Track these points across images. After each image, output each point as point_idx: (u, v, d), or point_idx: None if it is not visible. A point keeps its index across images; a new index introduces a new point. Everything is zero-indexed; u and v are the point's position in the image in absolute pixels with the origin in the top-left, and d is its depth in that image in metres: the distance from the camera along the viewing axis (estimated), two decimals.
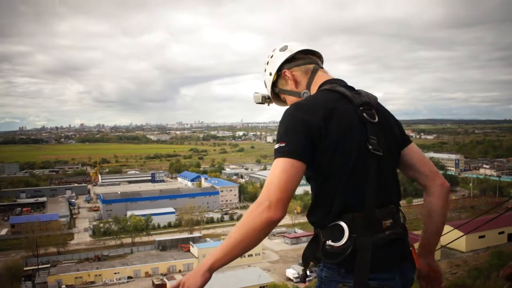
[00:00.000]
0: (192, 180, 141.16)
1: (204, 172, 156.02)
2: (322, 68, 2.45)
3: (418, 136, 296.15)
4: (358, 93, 2.23)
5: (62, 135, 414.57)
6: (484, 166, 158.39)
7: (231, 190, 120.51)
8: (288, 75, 2.40)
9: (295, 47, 2.42)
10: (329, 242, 2.04)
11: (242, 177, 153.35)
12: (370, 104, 2.17)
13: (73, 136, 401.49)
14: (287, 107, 2.18)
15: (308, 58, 2.43)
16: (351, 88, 2.26)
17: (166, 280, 59.97)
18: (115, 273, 66.10)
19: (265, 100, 2.63)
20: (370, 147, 2.05)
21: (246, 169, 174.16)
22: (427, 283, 2.44)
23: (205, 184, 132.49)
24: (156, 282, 61.27)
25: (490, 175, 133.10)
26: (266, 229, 1.93)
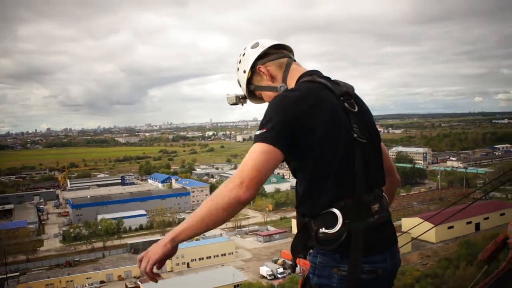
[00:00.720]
0: (162, 182, 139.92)
1: (175, 173, 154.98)
2: (295, 61, 2.47)
3: (386, 131, 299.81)
4: (337, 83, 2.28)
5: (28, 140, 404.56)
6: (451, 158, 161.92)
7: (202, 190, 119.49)
8: (263, 70, 2.40)
9: (266, 43, 2.43)
10: (323, 230, 2.05)
11: (212, 176, 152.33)
12: (350, 94, 2.22)
13: (39, 141, 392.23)
14: (275, 95, 2.20)
15: (281, 52, 2.45)
16: (329, 79, 2.29)
17: (140, 283, 59.31)
18: (87, 278, 65.02)
19: (239, 100, 2.60)
20: (355, 135, 2.09)
21: (217, 168, 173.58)
22: None
23: (176, 185, 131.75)
24: (130, 286, 60.55)
25: (457, 167, 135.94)
26: (231, 209, 1.92)
